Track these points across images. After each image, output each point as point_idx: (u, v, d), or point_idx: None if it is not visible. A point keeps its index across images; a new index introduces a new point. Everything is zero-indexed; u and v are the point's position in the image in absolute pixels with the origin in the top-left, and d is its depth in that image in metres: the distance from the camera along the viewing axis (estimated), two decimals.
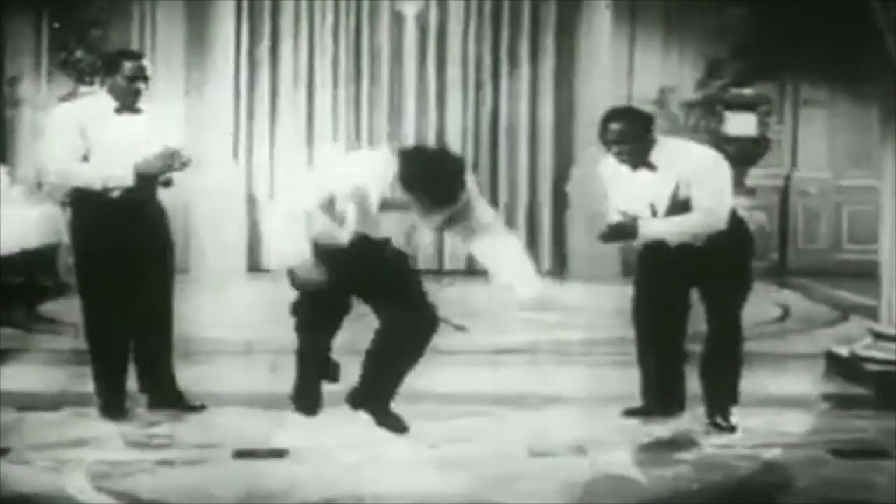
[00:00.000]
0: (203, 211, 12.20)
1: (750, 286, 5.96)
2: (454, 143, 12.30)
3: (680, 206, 5.69)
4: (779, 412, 6.19)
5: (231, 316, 9.38)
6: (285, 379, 5.65)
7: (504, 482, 5.02)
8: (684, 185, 5.67)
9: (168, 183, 5.98)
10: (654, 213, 5.74)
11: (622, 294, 10.42)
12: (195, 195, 11.95)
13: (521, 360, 7.74)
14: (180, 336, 7.78)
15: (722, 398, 5.88)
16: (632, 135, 5.68)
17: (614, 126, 5.68)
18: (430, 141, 12.39)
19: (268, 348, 7.57)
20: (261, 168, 12.64)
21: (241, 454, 5.38)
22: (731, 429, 5.80)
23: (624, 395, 6.16)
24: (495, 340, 8.11)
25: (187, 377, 6.33)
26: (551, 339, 8.34)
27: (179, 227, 11.96)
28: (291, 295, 5.35)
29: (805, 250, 12.91)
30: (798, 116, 12.94)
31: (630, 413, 6.04)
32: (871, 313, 7.48)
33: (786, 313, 9.83)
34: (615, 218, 5.78)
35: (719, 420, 5.83)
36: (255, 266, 12.49)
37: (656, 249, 5.82)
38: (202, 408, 6.10)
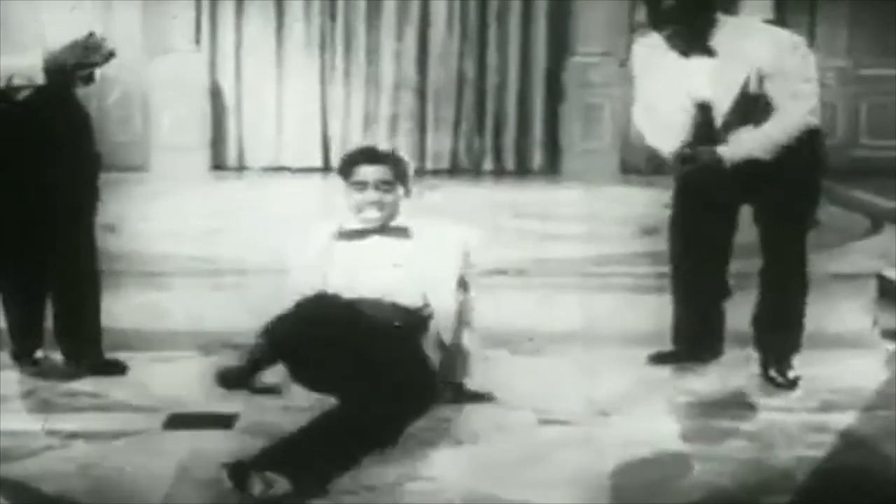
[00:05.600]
0: (162, 103, 11.14)
1: (818, 203, 4.83)
2: (438, 25, 11.19)
3: (750, 103, 4.53)
4: (836, 356, 5.06)
5: (192, 225, 8.15)
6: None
7: (502, 461, 3.92)
8: (757, 78, 4.51)
9: (89, 79, 4.75)
10: (709, 112, 4.60)
11: (623, 197, 9.77)
12: (153, 85, 11.09)
13: (513, 284, 6.37)
14: (127, 253, 6.74)
15: (780, 347, 4.77)
16: (689, 11, 4.50)
17: (667, 2, 4.50)
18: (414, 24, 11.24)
19: (236, 268, 6.46)
20: (226, 56, 11.47)
21: (177, 422, 4.24)
22: (791, 385, 4.69)
23: (641, 333, 5.16)
24: (480, 259, 6.77)
25: (129, 308, 5.24)
26: (548, 257, 7.18)
27: (137, 121, 11.38)
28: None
29: None
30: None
31: (657, 359, 4.98)
32: None
33: (815, 222, 8.59)
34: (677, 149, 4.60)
35: (774, 374, 4.72)
36: (219, 164, 11.42)
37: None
38: (121, 369, 4.84)
